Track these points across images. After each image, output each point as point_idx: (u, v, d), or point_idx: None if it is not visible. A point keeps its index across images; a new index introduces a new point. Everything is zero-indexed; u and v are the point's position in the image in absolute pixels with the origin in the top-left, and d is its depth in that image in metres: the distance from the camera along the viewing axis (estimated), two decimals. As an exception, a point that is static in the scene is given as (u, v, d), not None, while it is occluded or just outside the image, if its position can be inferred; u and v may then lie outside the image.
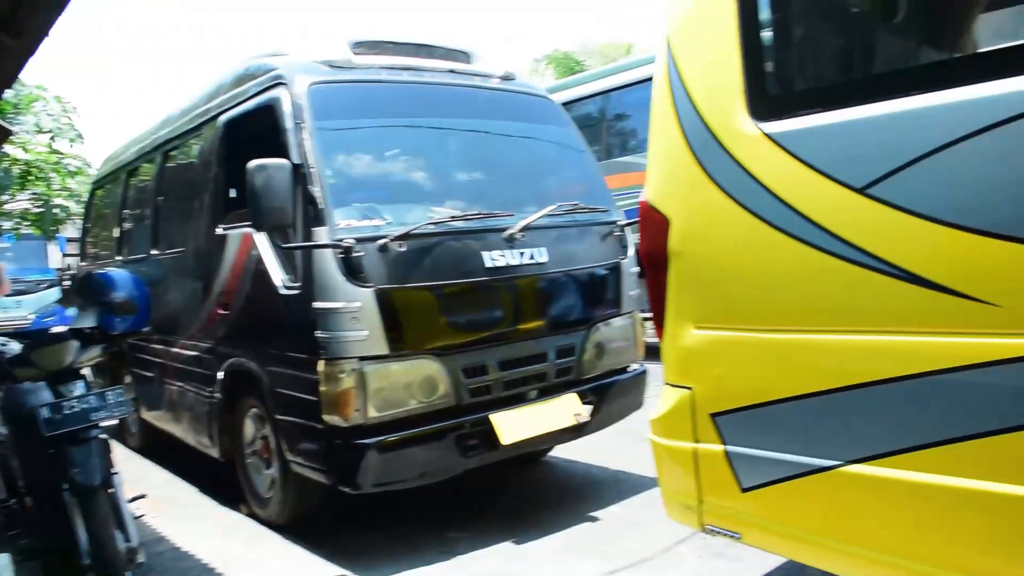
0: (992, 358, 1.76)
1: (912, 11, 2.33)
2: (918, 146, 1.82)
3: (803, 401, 2.08)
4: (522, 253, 3.88)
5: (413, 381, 3.58)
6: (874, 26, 2.40)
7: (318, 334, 3.50)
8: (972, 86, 1.76)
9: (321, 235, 3.51)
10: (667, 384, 2.43)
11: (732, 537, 2.37)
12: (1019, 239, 1.68)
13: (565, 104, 9.44)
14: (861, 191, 1.90)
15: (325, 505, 4.17)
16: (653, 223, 2.37)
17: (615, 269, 4.36)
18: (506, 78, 4.61)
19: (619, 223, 4.41)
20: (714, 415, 2.28)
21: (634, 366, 4.52)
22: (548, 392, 4.02)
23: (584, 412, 4.05)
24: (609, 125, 9.90)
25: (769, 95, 2.16)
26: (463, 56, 4.61)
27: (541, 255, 3.95)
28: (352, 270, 3.47)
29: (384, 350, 3.51)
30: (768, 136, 2.08)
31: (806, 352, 2.08)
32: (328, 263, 3.49)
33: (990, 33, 2.32)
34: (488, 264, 3.78)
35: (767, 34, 2.18)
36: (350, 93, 4.01)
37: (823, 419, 2.06)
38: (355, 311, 3.45)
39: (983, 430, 1.79)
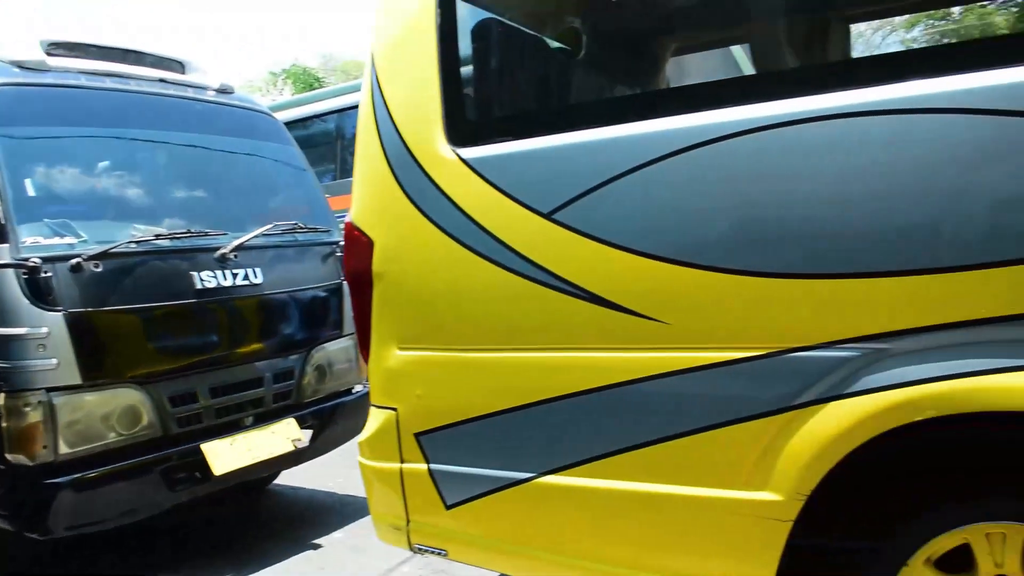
0: (662, 370, 1.92)
1: (594, 50, 2.51)
2: (596, 175, 1.95)
3: (498, 417, 2.15)
4: (235, 274, 3.72)
5: (112, 412, 3.30)
6: (561, 62, 2.55)
7: (-2, 364, 3.15)
8: (640, 123, 1.92)
9: (2, 253, 3.17)
10: (373, 405, 2.43)
11: (439, 554, 2.40)
12: (680, 262, 1.85)
13: (302, 120, 9.26)
14: (547, 216, 2.00)
15: (13, 556, 3.75)
16: (357, 244, 2.36)
17: (336, 290, 4.29)
18: (223, 91, 4.42)
19: (341, 243, 4.36)
20: (418, 435, 2.30)
21: (358, 388, 4.46)
22: (265, 418, 3.87)
23: (304, 437, 3.94)
24: (346, 144, 9.80)
25: (466, 121, 2.23)
26: (176, 65, 4.36)
27: (256, 276, 3.81)
28: (39, 292, 3.15)
29: (77, 379, 3.20)
30: (464, 161, 2.14)
31: (500, 370, 2.15)
32: (9, 284, 3.14)
33: (662, 74, 2.55)
34: (198, 285, 3.58)
35: (465, 62, 2.25)
36: (42, 98, 3.64)
37: (517, 434, 2.14)
38: (42, 337, 3.13)
39: (658, 436, 1.95)
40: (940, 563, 1.82)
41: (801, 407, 1.78)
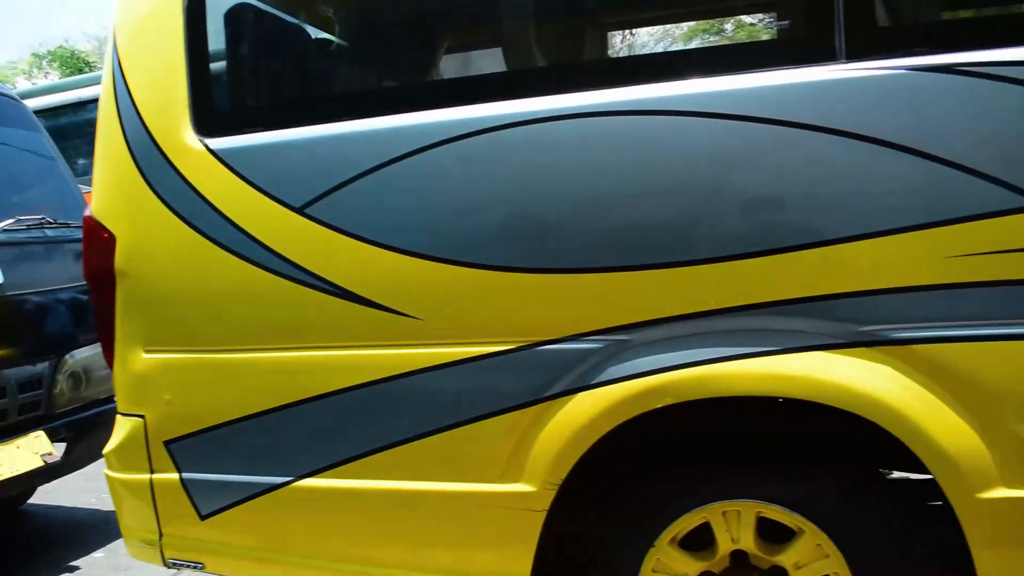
0: (417, 367, 1.90)
1: (350, 40, 2.46)
2: (348, 169, 1.91)
3: (252, 421, 2.06)
4: (-29, 273, 3.36)
5: None
6: (317, 51, 2.48)
7: None
8: (392, 117, 1.91)
9: None
10: (119, 413, 2.26)
11: (195, 568, 2.28)
12: (431, 257, 1.85)
13: (69, 106, 8.53)
14: (299, 211, 1.94)
15: None
16: (98, 240, 2.19)
17: (94, 291, 3.97)
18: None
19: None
20: (168, 442, 2.16)
21: (121, 395, 4.16)
22: (10, 432, 3.52)
23: (56, 451, 3.62)
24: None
25: (215, 111, 2.12)
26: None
27: (-5, 276, 3.45)
28: None
29: None
30: (213, 152, 2.03)
31: (254, 371, 2.06)
32: None
33: (421, 69, 2.53)
34: (-75, 286, 3.20)
35: (214, 48, 2.14)
36: None
37: (272, 437, 2.07)
38: None
39: (415, 433, 1.94)
40: (685, 542, 1.92)
41: (551, 399, 1.82)
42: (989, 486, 1.63)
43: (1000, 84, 1.56)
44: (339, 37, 2.47)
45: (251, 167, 2.00)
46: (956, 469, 1.64)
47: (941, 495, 1.67)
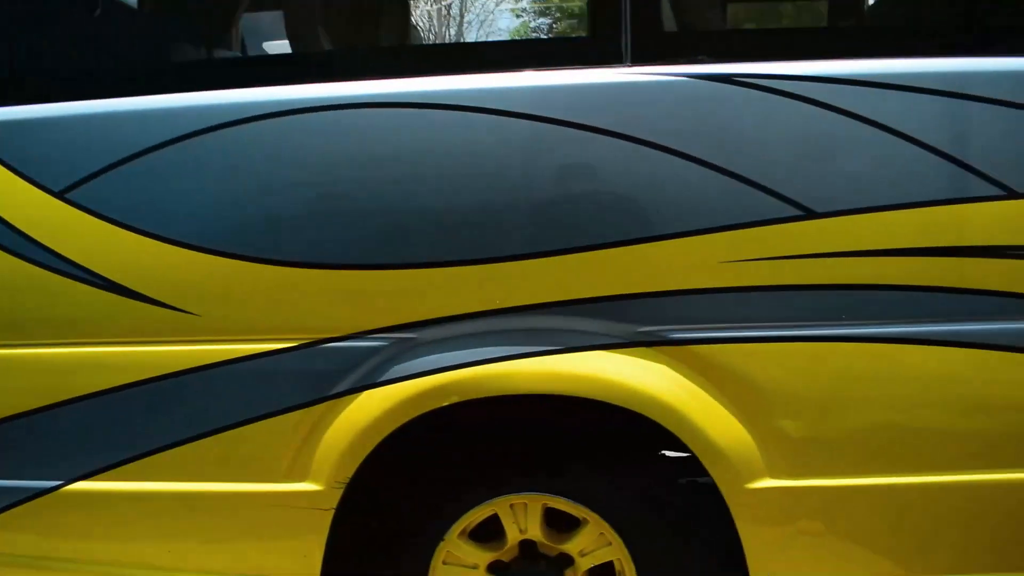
0: (195, 364, 1.81)
1: (120, 4, 2.26)
2: (116, 151, 1.76)
3: (16, 421, 1.89)
4: None
5: None
6: (80, 13, 2.25)
7: None
8: (167, 96, 1.77)
9: None
10: None
11: (-41, 579, 2.10)
12: (206, 249, 1.74)
13: None
14: (59, 195, 1.78)
15: None
16: None
17: None
18: None
19: None
20: (-81, 446, 1.96)
21: None
22: None
23: None
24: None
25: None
26: None
27: None
28: None
29: None
30: None
31: (14, 368, 1.89)
32: None
33: (210, 43, 2.36)
34: None
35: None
36: None
37: (40, 439, 1.91)
38: None
39: (195, 433, 1.84)
40: (476, 534, 1.93)
41: (336, 397, 1.78)
42: (756, 477, 1.72)
43: (773, 97, 1.61)
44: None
45: (3, 146, 1.81)
46: (727, 462, 1.72)
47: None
